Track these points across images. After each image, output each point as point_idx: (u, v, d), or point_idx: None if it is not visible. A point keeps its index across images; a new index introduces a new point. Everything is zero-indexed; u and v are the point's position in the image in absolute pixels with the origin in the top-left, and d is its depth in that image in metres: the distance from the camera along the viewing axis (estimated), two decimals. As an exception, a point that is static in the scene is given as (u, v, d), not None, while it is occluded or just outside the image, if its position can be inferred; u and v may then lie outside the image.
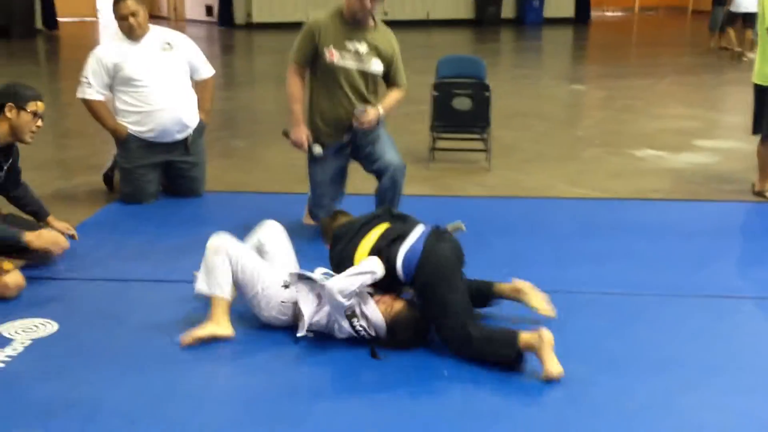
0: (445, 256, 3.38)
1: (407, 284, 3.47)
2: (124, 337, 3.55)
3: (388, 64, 4.63)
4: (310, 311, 3.42)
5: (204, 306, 3.61)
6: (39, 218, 4.56)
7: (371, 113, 4.52)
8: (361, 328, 3.36)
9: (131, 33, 5.24)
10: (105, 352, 3.41)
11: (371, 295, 3.44)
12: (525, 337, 3.18)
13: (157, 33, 5.40)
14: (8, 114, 4.16)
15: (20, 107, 4.17)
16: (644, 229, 5.01)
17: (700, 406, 3.00)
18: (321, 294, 3.42)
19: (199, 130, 5.54)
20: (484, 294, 3.65)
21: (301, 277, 3.51)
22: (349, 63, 4.54)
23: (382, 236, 3.54)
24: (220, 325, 3.47)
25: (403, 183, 4.69)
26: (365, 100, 4.60)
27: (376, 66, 4.59)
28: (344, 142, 4.67)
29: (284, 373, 3.27)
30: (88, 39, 17.74)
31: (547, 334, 3.14)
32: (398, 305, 3.42)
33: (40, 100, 4.26)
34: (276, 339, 3.50)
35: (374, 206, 4.53)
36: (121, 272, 4.25)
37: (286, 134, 4.76)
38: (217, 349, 3.42)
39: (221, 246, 3.54)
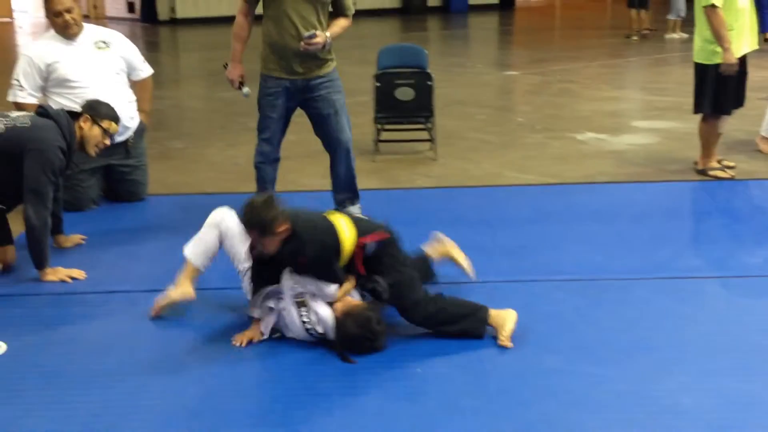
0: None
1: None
2: (77, 354, 3.37)
3: None
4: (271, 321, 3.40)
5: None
6: (56, 231, 4.48)
7: (319, 37, 4.51)
8: (309, 322, 3.30)
9: (67, 30, 5.01)
10: (57, 371, 3.23)
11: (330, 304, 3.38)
12: (493, 314, 3.42)
13: (90, 31, 5.19)
14: (83, 124, 4.21)
15: (95, 121, 4.23)
16: (596, 213, 5.03)
17: (676, 390, 2.99)
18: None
19: (140, 131, 5.36)
20: (428, 265, 3.80)
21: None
22: None
23: (356, 227, 3.46)
24: (180, 287, 3.62)
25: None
26: (314, 29, 4.57)
27: None
28: (299, 86, 4.67)
29: (242, 380, 3.17)
30: (3, 41, 17.11)
31: (514, 315, 3.41)
32: (354, 303, 3.37)
33: (116, 122, 4.36)
34: (238, 351, 3.39)
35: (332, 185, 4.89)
36: (67, 285, 4.05)
37: (225, 67, 4.83)
38: (177, 360, 3.30)
39: (216, 220, 3.64)
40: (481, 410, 2.91)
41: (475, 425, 2.81)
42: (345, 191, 5.02)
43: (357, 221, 3.52)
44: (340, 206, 4.93)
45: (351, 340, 3.27)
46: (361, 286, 3.47)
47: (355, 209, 4.91)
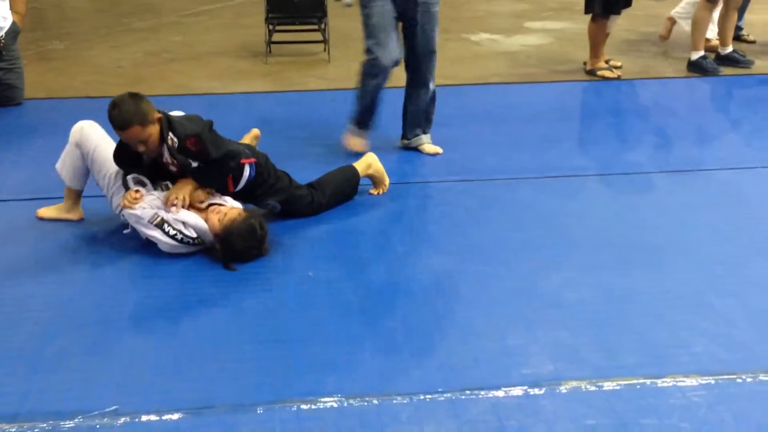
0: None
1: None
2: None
3: None
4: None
5: (38, 223, 3.40)
6: None
7: None
8: (177, 232, 3.23)
9: None
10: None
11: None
12: (361, 168, 3.81)
13: None
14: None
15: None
16: (488, 113, 5.08)
17: (561, 285, 3.10)
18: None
19: (13, 33, 5.05)
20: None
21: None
22: None
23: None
24: (67, 210, 3.60)
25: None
26: None
27: None
28: None
29: (126, 292, 3.12)
30: None
31: (371, 157, 3.87)
32: (233, 213, 3.30)
33: None
34: (123, 259, 3.32)
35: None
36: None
37: None
38: (61, 267, 3.21)
39: (75, 134, 3.50)
40: (367, 310, 2.95)
41: (363, 325, 2.86)
42: (425, 118, 4.45)
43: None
44: (411, 135, 4.45)
45: (238, 253, 3.23)
46: (255, 205, 3.49)
47: (427, 138, 4.45)
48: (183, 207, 3.28)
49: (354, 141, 4.35)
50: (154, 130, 3.21)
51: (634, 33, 6.89)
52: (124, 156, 3.36)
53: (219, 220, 3.26)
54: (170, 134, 3.23)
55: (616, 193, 4.00)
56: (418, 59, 4.25)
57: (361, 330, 2.83)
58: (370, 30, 4.16)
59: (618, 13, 5.74)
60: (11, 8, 5.04)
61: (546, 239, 3.46)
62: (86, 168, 3.50)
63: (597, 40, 5.82)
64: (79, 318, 2.90)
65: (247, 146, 3.60)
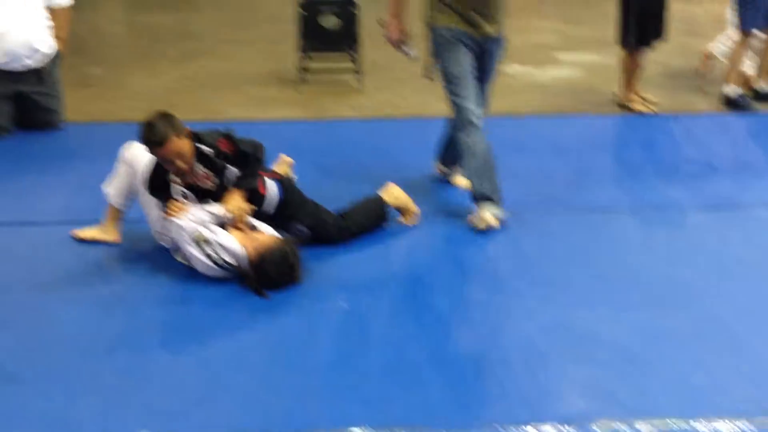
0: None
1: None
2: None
3: None
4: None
5: (73, 248, 3.45)
6: None
7: None
8: (214, 254, 3.24)
9: None
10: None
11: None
12: (386, 198, 3.80)
13: None
14: None
15: None
16: (520, 145, 5.06)
17: (594, 321, 3.07)
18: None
19: (54, 58, 5.13)
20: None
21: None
22: None
23: None
24: (105, 231, 3.62)
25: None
26: None
27: None
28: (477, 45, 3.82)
29: (157, 320, 3.13)
30: None
31: (393, 187, 3.84)
32: (266, 240, 3.32)
33: None
34: (156, 282, 3.34)
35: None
36: (-22, 216, 3.92)
37: (381, 24, 4.05)
38: (94, 290, 3.23)
39: (126, 153, 3.55)
40: (398, 341, 2.94)
41: (393, 356, 2.85)
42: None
43: None
44: (449, 165, 4.32)
45: (271, 280, 3.24)
46: (285, 231, 3.52)
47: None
48: (244, 220, 3.33)
49: (485, 216, 3.79)
50: (188, 143, 3.27)
51: (668, 66, 6.86)
52: (157, 183, 3.40)
53: (253, 246, 3.28)
54: (202, 146, 3.29)
55: (650, 228, 3.97)
56: None
57: (391, 361, 2.82)
58: (451, 83, 3.84)
59: (649, 44, 5.73)
60: (54, 34, 5.13)
61: (578, 275, 3.43)
62: (133, 188, 3.52)
63: (629, 73, 5.81)
64: (110, 341, 2.93)
65: (273, 171, 3.63)
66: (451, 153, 4.21)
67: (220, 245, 3.24)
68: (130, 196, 3.57)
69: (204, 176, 3.34)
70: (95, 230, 3.65)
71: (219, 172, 3.33)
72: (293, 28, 6.38)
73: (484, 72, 3.94)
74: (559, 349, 2.89)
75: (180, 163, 3.24)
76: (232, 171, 3.36)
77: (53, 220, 3.89)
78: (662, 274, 3.44)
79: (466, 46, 3.80)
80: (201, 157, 3.31)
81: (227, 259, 3.26)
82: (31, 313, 3.11)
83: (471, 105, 3.78)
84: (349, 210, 3.75)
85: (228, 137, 3.36)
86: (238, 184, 3.38)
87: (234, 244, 3.26)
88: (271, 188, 3.51)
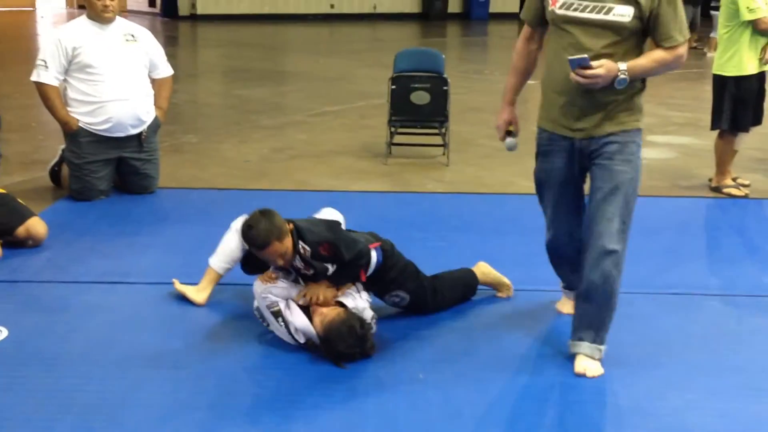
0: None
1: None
2: (77, 343, 3.36)
3: (644, 9, 3.01)
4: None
5: (160, 308, 3.47)
6: None
7: (603, 66, 3.01)
8: (287, 329, 3.29)
9: (103, 14, 5.06)
10: (58, 359, 3.22)
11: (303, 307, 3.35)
12: (478, 274, 3.83)
13: (121, 23, 5.25)
14: None
15: None
16: (608, 225, 4.98)
17: (682, 408, 2.95)
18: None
19: (154, 126, 5.37)
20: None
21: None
22: (577, 12, 3.09)
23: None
24: (197, 291, 3.69)
25: (616, 277, 3.17)
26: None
27: (621, 12, 3.02)
28: (579, 146, 3.23)
29: (240, 379, 3.14)
30: (24, 29, 17.20)
31: (483, 265, 3.88)
32: (332, 314, 3.27)
33: None
34: (240, 348, 3.37)
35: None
36: (73, 274, 4.05)
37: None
38: (177, 354, 3.28)
39: (239, 222, 3.55)
40: (479, 416, 2.88)
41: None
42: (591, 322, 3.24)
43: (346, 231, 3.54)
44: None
45: (341, 354, 3.22)
46: (381, 299, 3.56)
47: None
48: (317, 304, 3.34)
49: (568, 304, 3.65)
50: (289, 242, 3.29)
51: (764, 151, 6.71)
52: (252, 264, 3.51)
53: (320, 321, 3.27)
54: (301, 243, 3.30)
55: (741, 314, 3.82)
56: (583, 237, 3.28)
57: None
58: (541, 201, 3.51)
59: (747, 130, 5.62)
60: (155, 104, 5.37)
61: (665, 357, 3.32)
62: (237, 256, 3.57)
63: (724, 157, 5.70)
64: (189, 406, 2.93)
65: (372, 234, 3.61)
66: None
67: (294, 326, 3.28)
68: (231, 261, 3.63)
69: (302, 267, 3.39)
70: (190, 288, 3.71)
71: (317, 270, 3.37)
72: (382, 102, 6.51)
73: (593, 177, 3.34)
74: (643, 434, 2.79)
75: (279, 261, 3.32)
76: (332, 268, 3.39)
77: (144, 281, 3.98)
78: (753, 361, 3.30)
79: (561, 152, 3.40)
80: (300, 253, 3.33)
81: (299, 338, 3.29)
82: (113, 380, 3.17)
83: (548, 232, 3.55)
84: (440, 276, 3.74)
85: (331, 243, 3.31)
86: (332, 280, 3.39)
87: (307, 326, 3.27)
88: (372, 261, 3.46)
